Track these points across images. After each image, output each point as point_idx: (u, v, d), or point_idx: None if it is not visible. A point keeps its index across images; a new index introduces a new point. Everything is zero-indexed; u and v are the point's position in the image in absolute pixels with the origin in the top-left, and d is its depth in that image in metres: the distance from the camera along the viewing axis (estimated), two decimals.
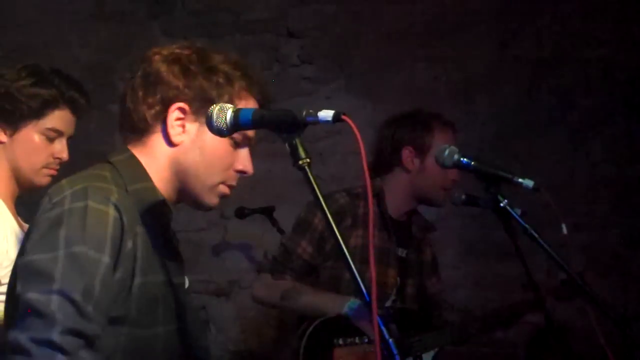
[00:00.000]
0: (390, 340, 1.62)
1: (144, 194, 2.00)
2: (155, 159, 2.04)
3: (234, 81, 2.03)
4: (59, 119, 2.74)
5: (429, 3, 4.92)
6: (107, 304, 1.82)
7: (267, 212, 4.56)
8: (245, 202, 4.63)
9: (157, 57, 2.05)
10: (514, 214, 2.60)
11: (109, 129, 5.15)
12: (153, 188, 2.02)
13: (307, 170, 1.72)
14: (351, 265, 1.67)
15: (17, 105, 2.69)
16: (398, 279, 3.51)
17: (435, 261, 3.73)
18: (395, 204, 3.50)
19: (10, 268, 2.63)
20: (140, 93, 2.03)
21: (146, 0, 5.00)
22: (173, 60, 2.04)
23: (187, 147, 2.02)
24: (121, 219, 1.86)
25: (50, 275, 1.77)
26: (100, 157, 2.10)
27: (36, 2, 4.97)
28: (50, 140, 2.74)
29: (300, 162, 1.72)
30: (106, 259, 1.82)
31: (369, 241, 3.37)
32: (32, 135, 2.72)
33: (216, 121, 1.80)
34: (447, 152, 2.73)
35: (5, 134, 2.72)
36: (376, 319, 1.59)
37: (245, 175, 2.08)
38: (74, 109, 2.78)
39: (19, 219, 2.78)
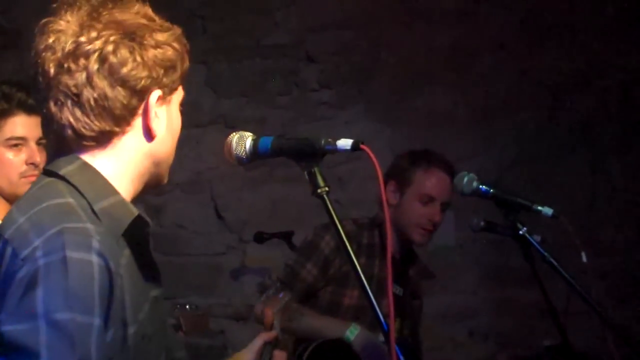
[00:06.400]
0: None
1: (115, 213, 1.65)
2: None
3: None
4: (15, 125, 2.65)
5: (448, 28, 4.93)
6: None
7: (286, 236, 4.56)
8: (264, 226, 4.63)
9: None
10: (533, 242, 2.59)
11: None
12: (123, 202, 1.68)
13: (326, 198, 1.73)
14: (369, 293, 1.68)
15: None
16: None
17: (421, 311, 3.69)
18: (392, 238, 3.42)
19: None
20: None
21: None
22: None
23: None
24: (107, 266, 1.53)
25: (34, 351, 1.45)
26: None
27: None
28: (17, 148, 2.65)
29: (319, 191, 1.73)
30: (97, 320, 1.50)
31: (372, 271, 3.40)
32: None
33: (236, 149, 1.80)
34: (465, 179, 2.73)
35: None
36: (394, 347, 1.58)
37: None
38: (27, 110, 2.64)
39: None
